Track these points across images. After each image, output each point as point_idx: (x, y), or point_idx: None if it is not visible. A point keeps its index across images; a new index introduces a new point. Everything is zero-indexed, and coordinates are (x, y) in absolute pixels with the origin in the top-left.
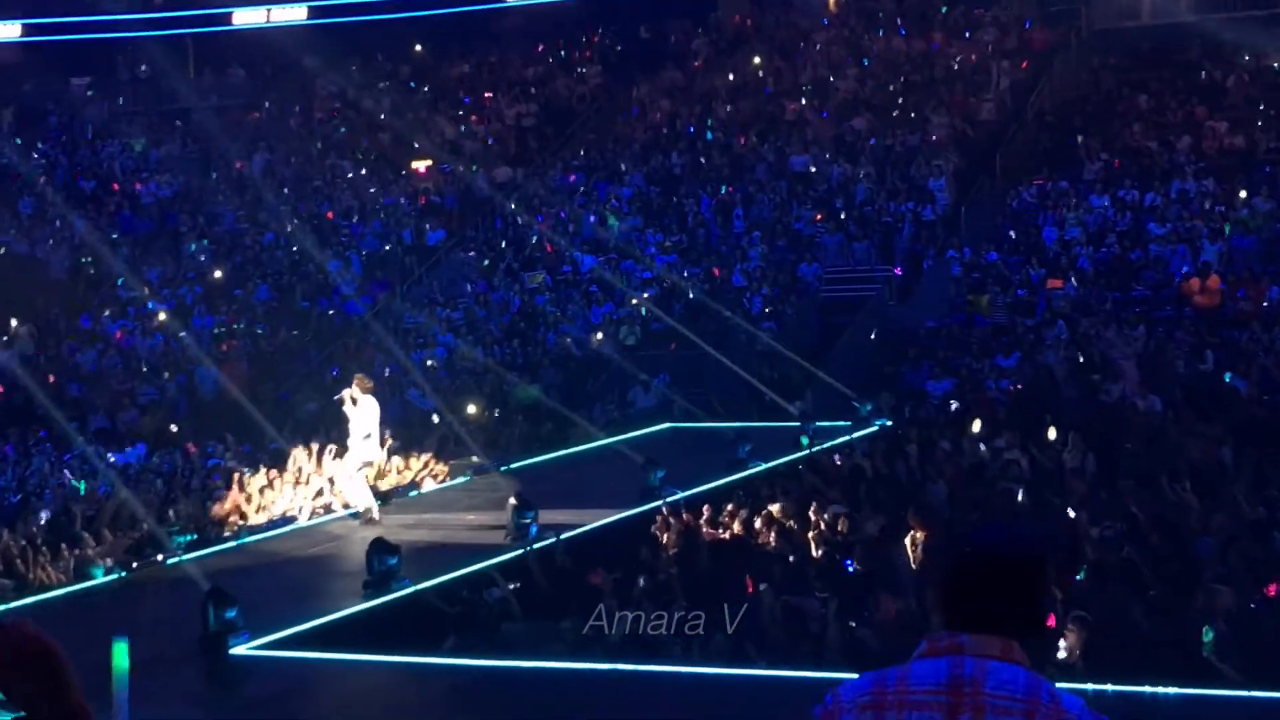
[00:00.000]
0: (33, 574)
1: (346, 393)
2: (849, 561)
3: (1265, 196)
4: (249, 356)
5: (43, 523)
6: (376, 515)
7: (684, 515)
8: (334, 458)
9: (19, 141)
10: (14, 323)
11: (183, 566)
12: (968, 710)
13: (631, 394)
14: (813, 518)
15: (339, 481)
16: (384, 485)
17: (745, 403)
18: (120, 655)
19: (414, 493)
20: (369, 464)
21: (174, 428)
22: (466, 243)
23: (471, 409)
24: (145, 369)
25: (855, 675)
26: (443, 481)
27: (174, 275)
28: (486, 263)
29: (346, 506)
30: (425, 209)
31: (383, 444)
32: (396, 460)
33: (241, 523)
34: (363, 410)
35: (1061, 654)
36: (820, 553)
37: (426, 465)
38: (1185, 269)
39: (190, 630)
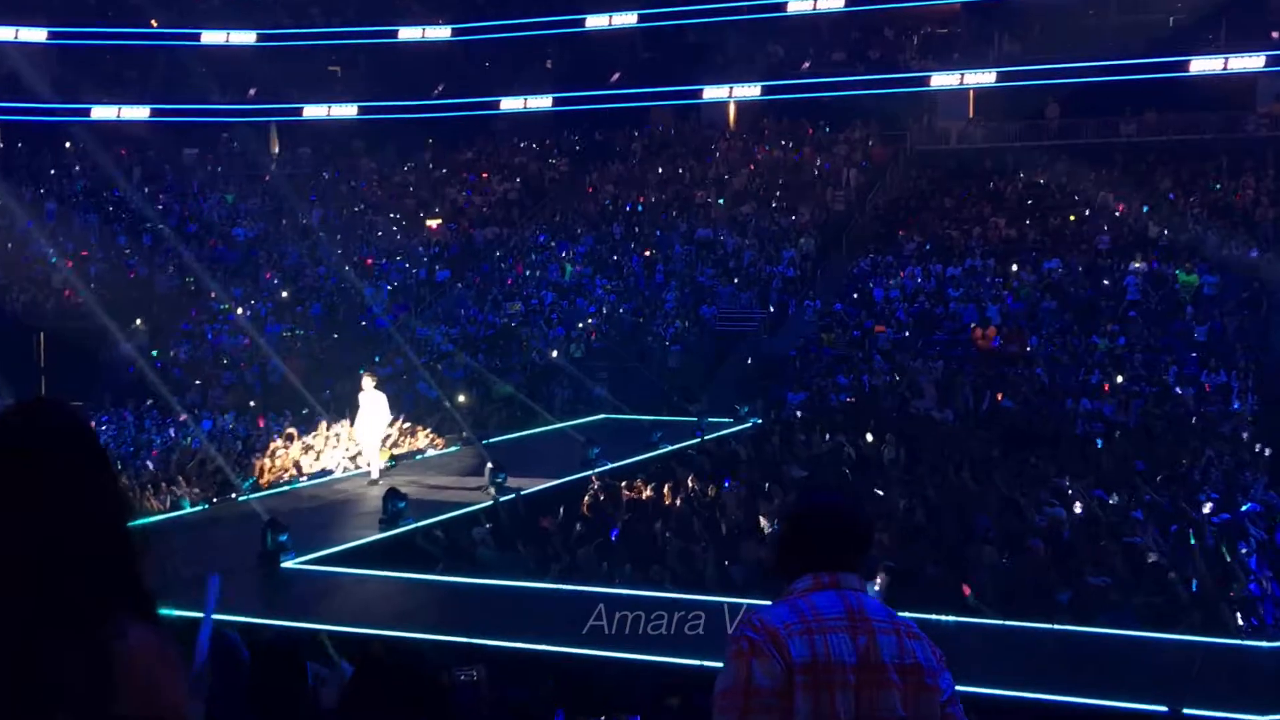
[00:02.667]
0: (140, 505)
1: (367, 382)
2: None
3: (1029, 271)
4: (305, 355)
5: (150, 467)
6: (377, 477)
7: (610, 481)
8: (351, 429)
9: (145, 191)
10: (138, 322)
11: (250, 504)
12: (864, 633)
13: (595, 392)
14: (691, 484)
15: (363, 447)
16: (398, 451)
17: (659, 403)
18: (212, 589)
19: (418, 456)
20: (385, 438)
21: (250, 404)
22: (465, 280)
23: (462, 398)
24: (228, 361)
25: (749, 604)
26: (441, 449)
27: (253, 294)
28: (477, 295)
29: (357, 465)
30: (436, 255)
31: (393, 423)
32: (409, 433)
33: (294, 473)
34: (370, 397)
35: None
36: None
37: (430, 438)
38: (972, 321)
39: (252, 550)
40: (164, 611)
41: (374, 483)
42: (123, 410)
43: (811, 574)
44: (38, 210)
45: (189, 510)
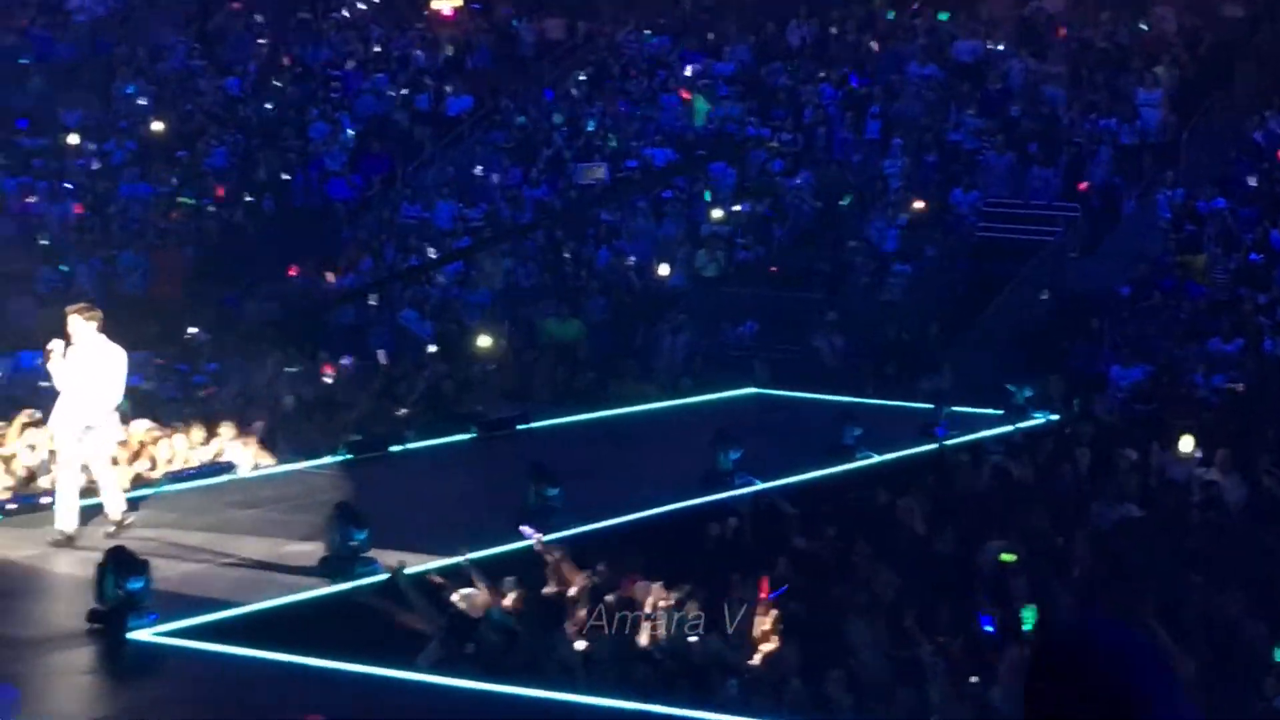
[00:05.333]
0: None
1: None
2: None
3: None
4: (191, 241)
5: None
6: (119, 517)
7: (762, 509)
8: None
9: None
10: None
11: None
12: None
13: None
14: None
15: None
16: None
17: (858, 370)
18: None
19: (394, 448)
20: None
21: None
22: (499, 117)
23: (484, 341)
24: (50, 245)
25: None
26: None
27: (101, 122)
28: (520, 146)
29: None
30: (447, 65)
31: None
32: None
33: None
34: (90, 355)
35: None
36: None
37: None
38: None
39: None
40: None
41: (114, 529)
42: None
43: None
44: None
45: None
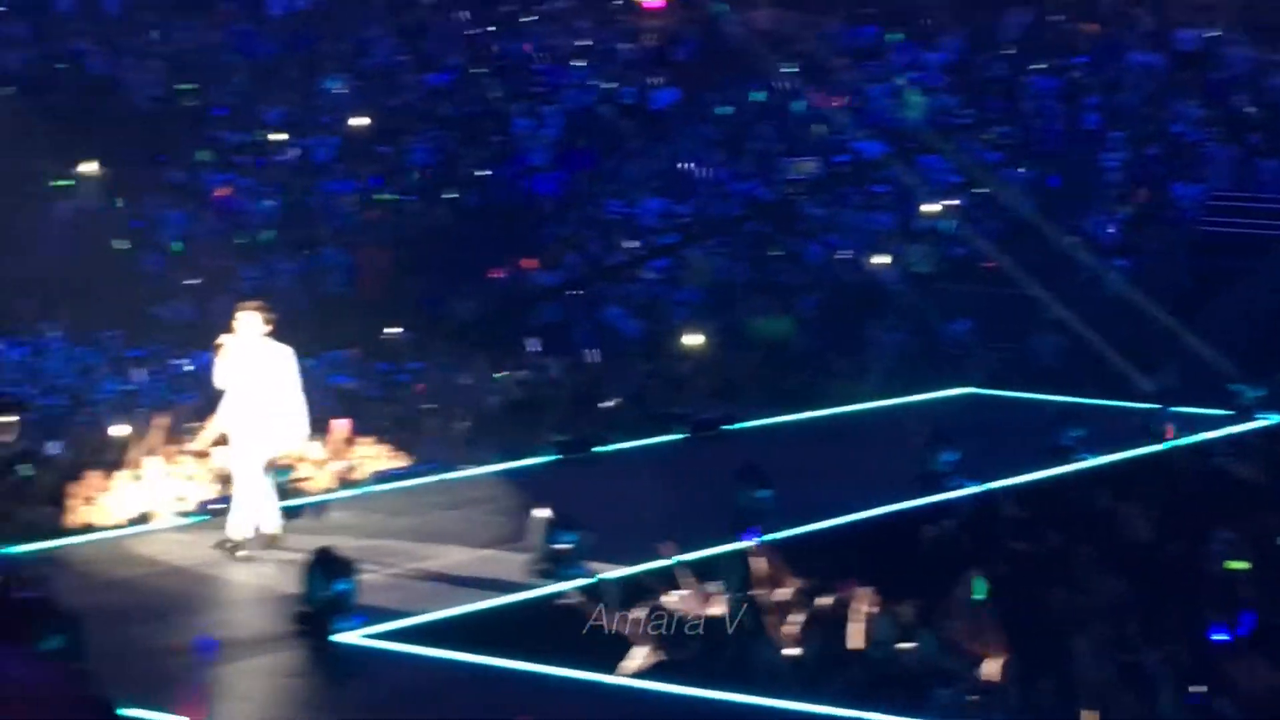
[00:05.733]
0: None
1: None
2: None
3: None
4: (394, 240)
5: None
6: (273, 530)
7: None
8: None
9: None
10: (83, 166)
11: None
12: None
13: (953, 338)
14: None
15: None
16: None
17: (1078, 369)
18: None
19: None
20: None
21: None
22: (706, 110)
23: (691, 340)
24: (251, 242)
25: None
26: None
27: (302, 119)
28: (727, 139)
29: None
30: (652, 58)
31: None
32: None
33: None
34: (257, 359)
35: None
36: None
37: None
38: None
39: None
40: None
41: (236, 551)
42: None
43: None
44: None
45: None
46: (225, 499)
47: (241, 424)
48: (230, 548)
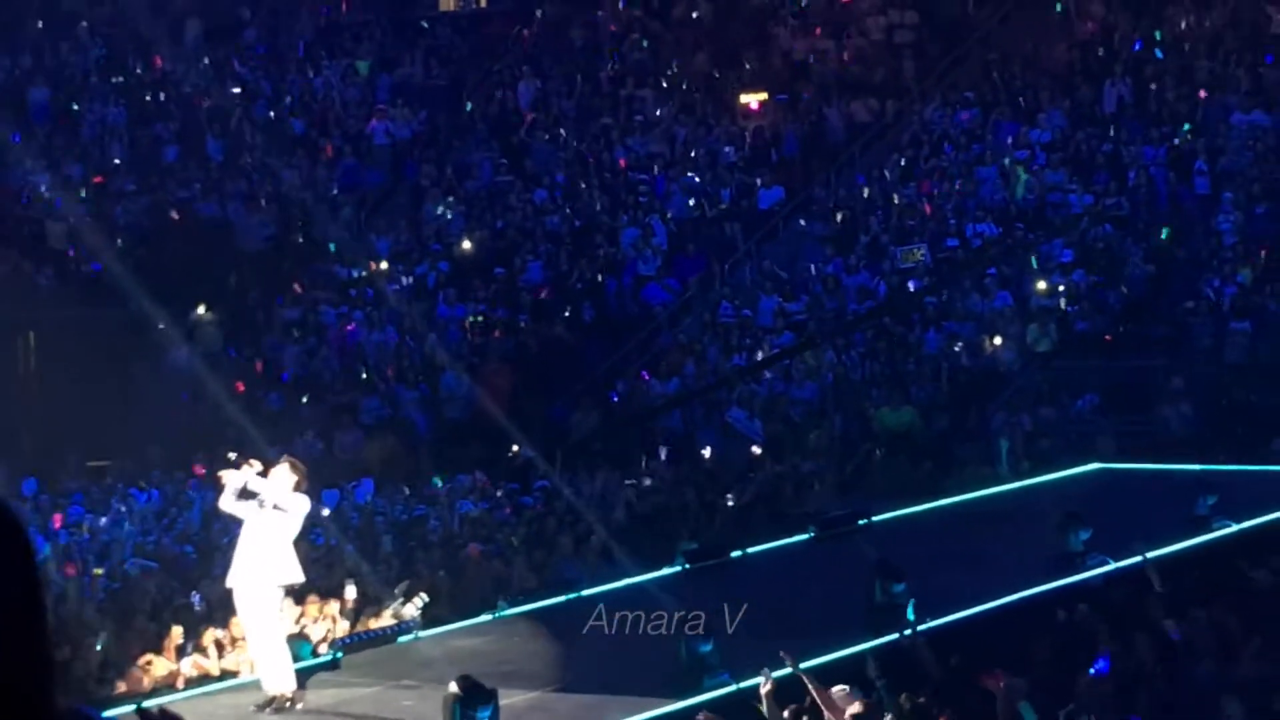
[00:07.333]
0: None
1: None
2: None
3: None
4: (512, 359)
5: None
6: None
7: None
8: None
9: (207, 62)
10: (201, 310)
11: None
12: None
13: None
14: None
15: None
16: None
17: (1208, 436)
18: None
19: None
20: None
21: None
22: (813, 206)
23: (815, 437)
24: (370, 375)
25: None
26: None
27: (411, 247)
28: (837, 233)
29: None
30: (755, 157)
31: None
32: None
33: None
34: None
35: None
36: None
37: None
38: None
39: None
40: None
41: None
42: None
43: None
44: (15, 107)
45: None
46: (357, 636)
47: (249, 574)
48: (276, 704)
